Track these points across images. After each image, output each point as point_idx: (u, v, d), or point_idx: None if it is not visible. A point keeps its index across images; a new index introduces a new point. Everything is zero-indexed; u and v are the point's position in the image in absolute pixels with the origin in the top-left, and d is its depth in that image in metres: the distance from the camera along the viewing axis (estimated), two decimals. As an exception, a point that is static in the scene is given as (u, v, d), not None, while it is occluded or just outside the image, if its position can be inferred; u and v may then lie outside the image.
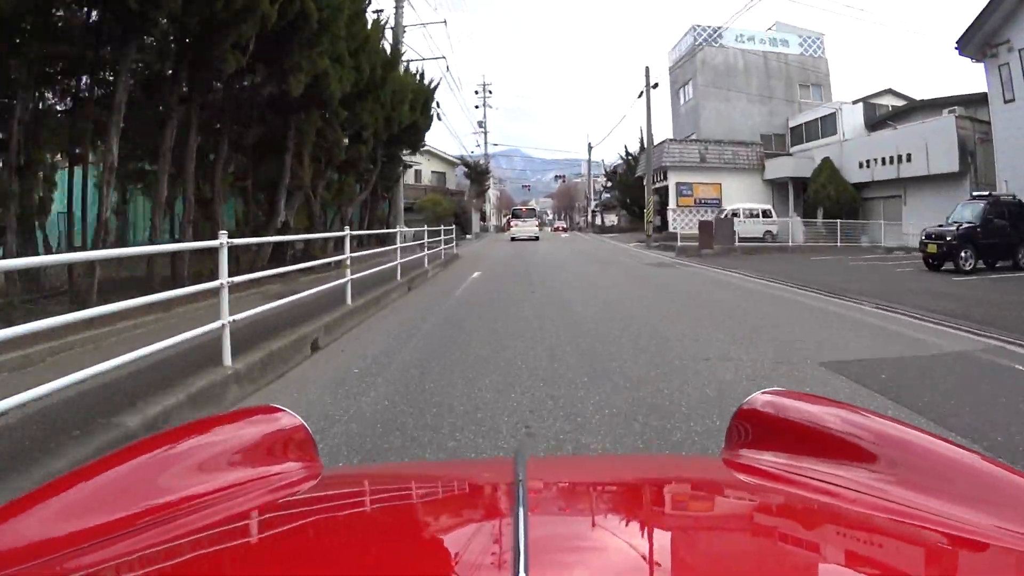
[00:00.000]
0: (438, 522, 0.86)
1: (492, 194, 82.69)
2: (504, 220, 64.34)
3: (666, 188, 33.57)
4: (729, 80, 36.46)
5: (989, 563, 0.70)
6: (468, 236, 37.31)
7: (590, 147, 49.70)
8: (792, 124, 37.07)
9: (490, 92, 57.94)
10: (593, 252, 23.83)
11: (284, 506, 0.90)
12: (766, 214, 31.89)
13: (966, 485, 0.83)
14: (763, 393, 1.13)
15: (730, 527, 0.82)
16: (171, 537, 0.76)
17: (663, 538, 0.76)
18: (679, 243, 22.32)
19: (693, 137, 34.74)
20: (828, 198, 30.45)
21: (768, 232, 31.86)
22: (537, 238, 37.68)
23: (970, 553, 0.71)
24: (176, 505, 0.84)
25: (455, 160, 43.25)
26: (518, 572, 0.55)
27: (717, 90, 36.01)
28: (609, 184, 46.62)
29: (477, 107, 57.64)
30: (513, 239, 37.41)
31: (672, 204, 32.88)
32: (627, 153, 41.88)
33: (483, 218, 58.54)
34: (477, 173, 42.26)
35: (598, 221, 48.14)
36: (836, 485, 0.86)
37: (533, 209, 42.53)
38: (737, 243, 22.89)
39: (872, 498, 0.81)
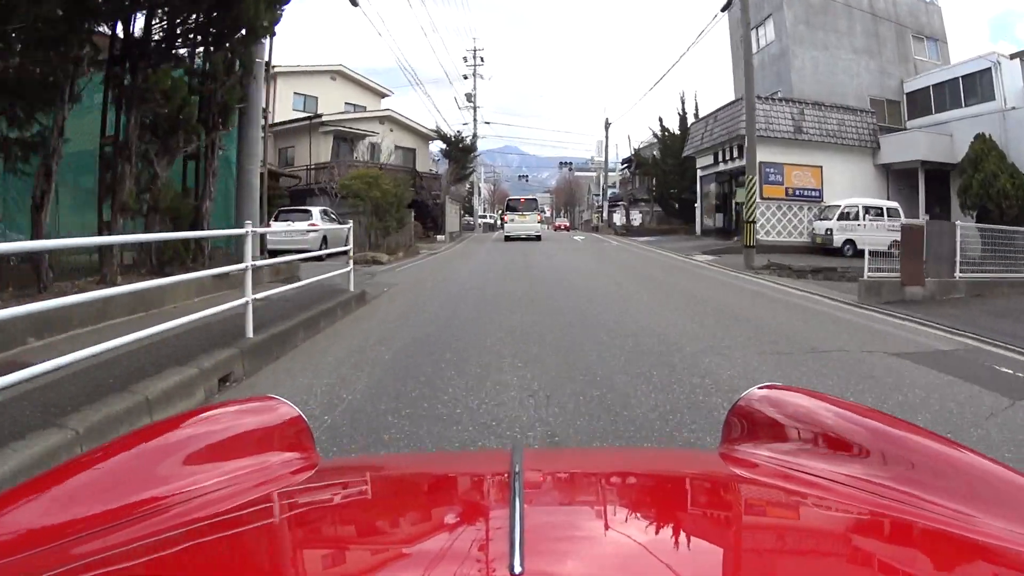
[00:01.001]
0: (434, 513, 0.86)
1: (484, 187, 70.96)
2: (498, 214, 52.57)
3: (742, 171, 22.09)
4: (826, 20, 25.07)
5: (982, 560, 0.70)
6: (440, 237, 25.69)
7: (607, 124, 38.18)
8: (911, 87, 25.70)
9: (481, 60, 46.32)
10: (705, 296, 12.20)
11: (281, 496, 0.90)
12: (892, 215, 20.79)
13: (961, 482, 0.82)
14: (760, 388, 1.11)
15: (724, 520, 0.82)
16: (168, 527, 0.76)
17: (658, 530, 0.75)
18: (866, 274, 10.70)
19: (779, 95, 23.23)
20: (1002, 195, 19.12)
21: (896, 242, 20.69)
22: (539, 237, 26.84)
23: (963, 550, 0.71)
24: (173, 495, 0.83)
25: (430, 133, 31.54)
26: (514, 562, 0.54)
27: (811, 31, 24.60)
28: (635, 170, 35.03)
29: (466, 77, 46.17)
30: (508, 238, 26.41)
31: (755, 197, 21.38)
32: (663, 129, 30.39)
33: (469, 211, 46.97)
34: (459, 150, 30.72)
35: (617, 219, 36.65)
36: (831, 480, 0.85)
37: (534, 200, 31.02)
38: (959, 275, 11.45)
39: (867, 494, 0.81)
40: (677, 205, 29.45)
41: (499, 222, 41.55)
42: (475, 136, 45.57)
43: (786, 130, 21.78)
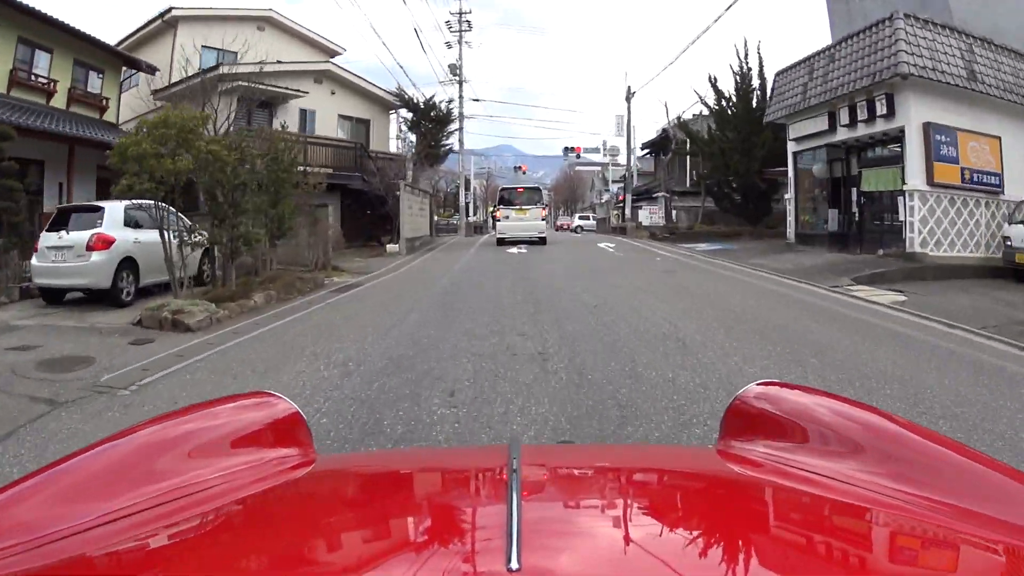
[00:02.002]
0: (432, 508, 0.85)
1: (475, 182, 61.66)
2: (488, 212, 43.85)
3: (895, 139, 13.47)
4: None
5: (974, 555, 0.70)
6: (392, 247, 16.82)
7: (630, 93, 29.10)
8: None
9: (468, 24, 37.57)
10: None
11: (279, 492, 0.89)
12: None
13: (955, 478, 0.82)
14: (757, 384, 1.10)
15: (720, 516, 0.82)
16: (165, 523, 0.75)
17: (654, 525, 0.76)
18: None
19: (928, 17, 14.52)
20: None
21: None
22: (543, 240, 19.29)
23: (957, 546, 0.71)
24: (171, 491, 0.83)
25: (391, 99, 22.68)
26: (511, 556, 0.55)
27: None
28: (676, 149, 26.20)
29: (449, 46, 37.54)
30: (501, 241, 19.31)
31: (917, 181, 12.72)
32: (717, 91, 21.66)
33: (451, 207, 38.43)
34: (432, 120, 22.05)
35: (643, 217, 27.82)
36: (827, 477, 0.85)
37: (536, 189, 22.36)
38: None
39: (863, 490, 0.81)
40: (739, 197, 20.79)
41: (490, 220, 32.90)
42: (461, 116, 36.87)
43: (956, 74, 13.18)
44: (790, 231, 16.30)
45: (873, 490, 0.80)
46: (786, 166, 20.19)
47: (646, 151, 35.12)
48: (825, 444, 0.92)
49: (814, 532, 0.76)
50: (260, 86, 18.56)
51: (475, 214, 55.18)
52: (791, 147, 16.30)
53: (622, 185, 42.60)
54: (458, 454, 1.66)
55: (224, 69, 18.37)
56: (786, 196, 16.55)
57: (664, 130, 31.72)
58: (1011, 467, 0.85)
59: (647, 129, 34.93)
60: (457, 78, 37.80)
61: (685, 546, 0.69)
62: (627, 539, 0.69)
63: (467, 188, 51.51)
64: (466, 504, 0.84)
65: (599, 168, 55.97)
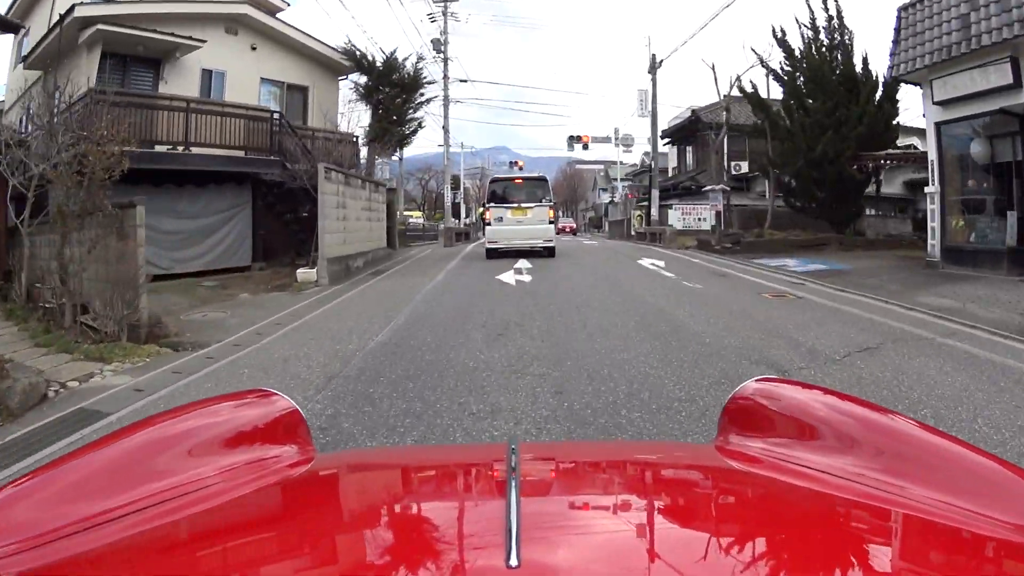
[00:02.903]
0: (431, 505, 0.85)
1: (468, 182, 55.71)
2: (478, 213, 37.82)
3: None
4: None
5: (971, 551, 0.70)
6: (305, 272, 10.96)
7: (655, 63, 22.98)
8: None
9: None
10: None
11: (279, 490, 0.88)
12: None
13: (951, 474, 0.81)
14: (755, 381, 1.08)
15: (718, 512, 0.82)
16: (165, 521, 0.75)
17: (654, 522, 0.76)
18: None
19: None
20: None
21: None
22: (551, 251, 13.97)
23: (953, 541, 0.71)
24: (170, 489, 0.82)
25: (340, 60, 16.78)
26: (510, 553, 0.55)
27: None
28: (730, 130, 20.18)
29: (432, 19, 32.00)
30: (492, 253, 14.01)
31: None
32: (787, 52, 15.96)
33: (433, 205, 32.92)
34: (394, 84, 16.31)
35: (675, 219, 21.93)
36: (825, 472, 0.84)
37: (542, 180, 15.78)
38: None
39: (859, 486, 0.80)
40: (821, 192, 15.02)
41: (480, 221, 27.26)
42: (447, 100, 31.16)
43: None
44: (933, 243, 10.65)
45: (871, 485, 0.79)
46: (889, 147, 14.54)
47: (667, 141, 29.42)
48: (823, 439, 0.91)
49: (811, 527, 0.74)
50: (140, 33, 12.81)
51: (468, 216, 49.19)
52: (933, 115, 10.64)
53: (629, 183, 36.70)
54: (457, 451, 1.63)
55: (81, 12, 12.73)
56: (927, 190, 10.89)
57: (693, 112, 26.03)
58: (1008, 462, 0.84)
59: (663, 118, 29.53)
60: (442, 55, 32.15)
61: (684, 542, 0.68)
62: (627, 536, 0.69)
63: (456, 187, 45.61)
64: (465, 501, 0.84)
65: (601, 167, 50.11)
